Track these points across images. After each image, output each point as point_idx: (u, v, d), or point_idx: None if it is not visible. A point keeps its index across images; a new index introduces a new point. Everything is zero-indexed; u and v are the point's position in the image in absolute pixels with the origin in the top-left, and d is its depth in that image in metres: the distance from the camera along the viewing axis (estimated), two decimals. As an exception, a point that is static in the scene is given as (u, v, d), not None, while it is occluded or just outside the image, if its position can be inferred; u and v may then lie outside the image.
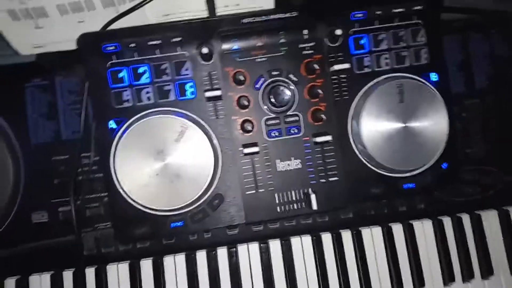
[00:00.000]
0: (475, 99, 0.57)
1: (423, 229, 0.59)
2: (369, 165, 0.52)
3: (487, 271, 0.58)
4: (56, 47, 0.50)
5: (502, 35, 0.58)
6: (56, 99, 0.53)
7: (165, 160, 0.47)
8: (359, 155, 0.52)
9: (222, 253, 0.55)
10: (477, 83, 0.58)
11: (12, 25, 0.46)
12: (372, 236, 0.57)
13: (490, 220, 0.59)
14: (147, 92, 0.49)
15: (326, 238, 0.56)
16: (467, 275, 0.57)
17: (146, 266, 0.54)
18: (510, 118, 0.57)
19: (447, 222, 0.59)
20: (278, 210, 0.51)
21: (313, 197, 0.50)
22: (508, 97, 0.57)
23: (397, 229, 0.58)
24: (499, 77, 0.58)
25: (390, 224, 0.57)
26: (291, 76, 0.51)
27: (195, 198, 0.48)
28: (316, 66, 0.50)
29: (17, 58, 0.50)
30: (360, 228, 0.57)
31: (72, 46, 0.47)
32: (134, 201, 0.48)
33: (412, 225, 0.58)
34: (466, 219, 0.59)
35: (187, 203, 0.48)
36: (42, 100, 0.53)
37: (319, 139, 0.50)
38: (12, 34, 0.47)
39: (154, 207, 0.48)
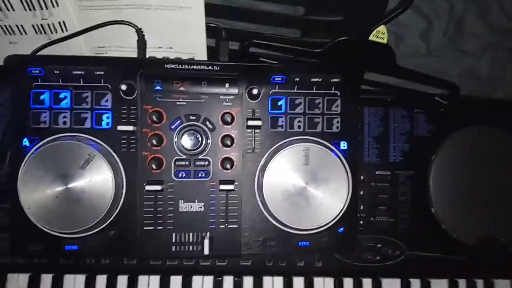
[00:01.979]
0: (387, 171, 0.60)
1: (324, 285, 0.61)
2: (268, 218, 0.54)
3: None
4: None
5: (423, 115, 0.62)
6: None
7: (67, 184, 0.48)
8: (261, 207, 0.54)
9: (122, 280, 0.56)
10: (391, 156, 0.61)
11: None
12: (273, 285, 0.59)
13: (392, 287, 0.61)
14: (64, 117, 0.51)
15: (228, 281, 0.58)
16: None
17: (46, 280, 0.56)
18: (419, 195, 0.60)
19: (348, 283, 0.61)
20: (173, 249, 0.52)
21: (206, 242, 0.52)
22: (420, 174, 0.60)
23: (298, 282, 0.60)
24: (413, 155, 0.61)
25: (292, 276, 0.59)
26: (207, 123, 0.53)
27: (91, 225, 0.49)
28: (233, 118, 0.53)
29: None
30: (262, 276, 0.59)
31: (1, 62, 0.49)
32: (32, 218, 0.49)
33: (313, 280, 0.60)
34: (367, 283, 0.61)
35: (83, 228, 0.49)
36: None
37: (225, 187, 0.53)
38: None
39: (50, 228, 0.49)
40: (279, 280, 0.59)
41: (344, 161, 0.53)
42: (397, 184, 0.60)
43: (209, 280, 0.58)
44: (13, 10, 0.46)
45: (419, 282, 0.61)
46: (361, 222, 0.59)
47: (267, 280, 0.59)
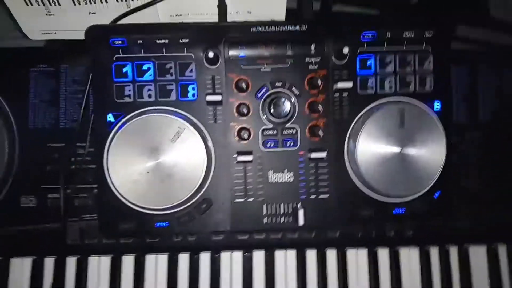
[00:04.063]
0: (477, 132, 0.57)
1: (409, 256, 0.58)
2: (360, 187, 0.51)
3: (469, 305, 0.57)
4: (65, 36, 0.50)
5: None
6: (59, 86, 0.53)
7: (158, 159, 0.47)
8: (352, 176, 0.51)
9: (204, 258, 0.55)
10: (481, 116, 0.57)
11: (24, 9, 0.46)
12: (357, 258, 0.57)
13: (478, 255, 0.58)
14: (149, 90, 0.49)
15: (311, 255, 0.56)
16: (450, 307, 0.57)
17: (128, 262, 0.54)
18: (510, 156, 0.57)
19: (434, 252, 0.58)
20: (265, 221, 0.50)
21: (300, 212, 0.49)
22: (510, 134, 0.57)
23: (383, 254, 0.57)
24: (504, 113, 0.57)
25: (376, 248, 0.57)
26: (294, 89, 0.50)
27: (183, 200, 0.47)
28: (319, 82, 0.50)
29: (25, 42, 0.51)
30: (346, 249, 0.57)
31: (81, 36, 0.47)
32: (122, 196, 0.47)
33: (398, 252, 0.57)
34: (454, 251, 0.58)
35: (175, 204, 0.48)
36: (46, 86, 0.53)
37: (314, 155, 0.50)
38: (23, 18, 0.48)
39: (141, 205, 0.47)
40: (363, 253, 0.57)
41: (439, 122, 0.50)
42: (488, 145, 0.57)
43: (291, 254, 0.56)
44: (97, -24, 0.44)
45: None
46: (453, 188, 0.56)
47: (351, 253, 0.57)
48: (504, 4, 0.53)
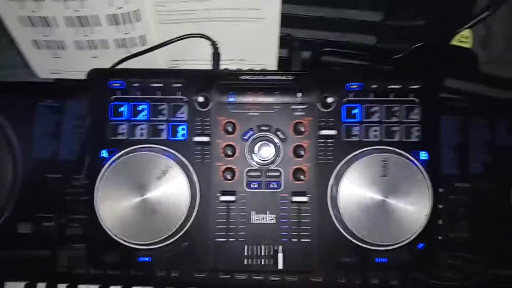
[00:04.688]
0: (467, 183, 0.56)
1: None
2: (343, 232, 0.51)
3: None
4: (71, 76, 0.55)
5: (506, 124, 0.58)
6: (62, 121, 0.57)
7: (144, 195, 0.49)
8: (335, 221, 0.52)
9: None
10: (471, 168, 0.57)
11: (35, 52, 0.51)
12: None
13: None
14: (142, 129, 0.52)
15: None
16: None
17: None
18: (502, 209, 0.55)
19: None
20: (245, 262, 0.51)
21: (280, 256, 0.50)
22: (501, 187, 0.56)
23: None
24: (495, 165, 0.57)
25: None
26: (279, 133, 0.52)
27: (165, 236, 0.49)
28: (304, 128, 0.52)
29: (35, 79, 0.56)
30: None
31: (84, 76, 0.51)
32: (108, 229, 0.49)
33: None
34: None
35: (157, 240, 0.49)
36: (51, 120, 0.57)
37: (297, 198, 0.51)
38: (33, 60, 0.52)
39: (125, 239, 0.49)
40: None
41: (425, 173, 0.50)
42: (478, 197, 0.56)
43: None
44: (100, 25, 0.48)
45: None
46: (440, 237, 0.55)
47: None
48: (491, 58, 0.54)
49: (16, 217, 0.55)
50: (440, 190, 0.55)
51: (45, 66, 0.54)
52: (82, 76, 0.53)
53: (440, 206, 0.55)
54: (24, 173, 0.56)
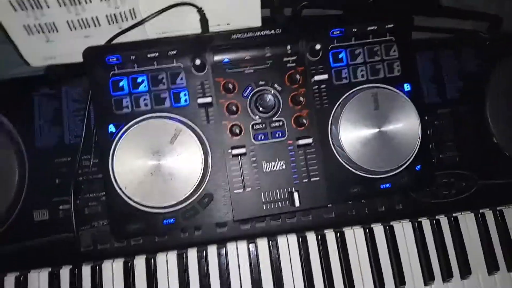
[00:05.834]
0: (447, 108, 0.63)
1: (403, 230, 0.62)
2: (347, 167, 0.56)
3: (465, 271, 0.61)
4: (65, 59, 0.55)
5: (471, 51, 0.64)
6: (61, 106, 0.58)
7: (159, 160, 0.51)
8: (339, 157, 0.56)
9: (212, 251, 0.58)
10: (448, 94, 0.63)
11: (26, 39, 0.51)
12: (355, 236, 0.61)
13: (467, 222, 0.63)
14: (145, 99, 0.54)
15: (311, 238, 0.60)
16: (446, 275, 0.60)
17: (139, 263, 0.57)
18: (480, 126, 0.62)
19: (425, 223, 0.62)
20: (264, 208, 0.54)
21: (295, 195, 0.54)
22: (477, 106, 0.63)
23: (378, 230, 0.61)
24: (468, 89, 0.63)
25: (371, 225, 0.61)
26: (276, 85, 0.56)
27: (186, 196, 0.51)
28: (298, 77, 0.56)
29: (27, 69, 0.56)
30: (343, 229, 0.61)
31: (79, 58, 0.52)
32: (129, 198, 0.51)
33: (392, 226, 0.61)
34: (444, 221, 0.63)
35: (179, 200, 0.51)
36: (49, 107, 0.58)
37: (301, 142, 0.55)
38: (25, 47, 0.52)
39: (148, 204, 0.51)
40: (360, 231, 0.61)
41: (411, 101, 0.56)
42: (458, 119, 0.63)
43: (293, 239, 0.60)
44: (91, 2, 0.49)
45: (491, 213, 0.64)
46: (433, 160, 0.61)
47: (348, 233, 0.61)
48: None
49: (30, 206, 0.55)
50: (426, 118, 0.62)
51: (38, 53, 0.54)
52: (76, 59, 0.54)
53: (428, 132, 0.62)
54: (32, 162, 0.56)
